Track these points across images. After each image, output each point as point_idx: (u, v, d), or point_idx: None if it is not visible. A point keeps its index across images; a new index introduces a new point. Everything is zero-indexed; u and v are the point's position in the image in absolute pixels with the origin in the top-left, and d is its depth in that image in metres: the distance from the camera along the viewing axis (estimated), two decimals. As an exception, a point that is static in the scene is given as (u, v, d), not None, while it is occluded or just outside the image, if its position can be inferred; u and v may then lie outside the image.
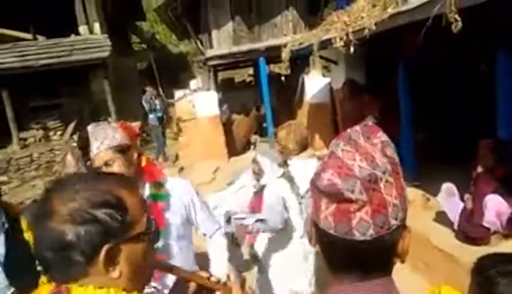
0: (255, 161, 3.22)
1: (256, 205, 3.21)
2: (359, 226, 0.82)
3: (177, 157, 9.64)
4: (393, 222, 0.86)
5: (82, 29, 10.98)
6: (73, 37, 10.76)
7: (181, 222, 1.95)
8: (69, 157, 6.01)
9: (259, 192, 3.24)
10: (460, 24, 2.68)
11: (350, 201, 0.82)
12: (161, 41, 15.94)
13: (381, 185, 0.86)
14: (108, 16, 11.77)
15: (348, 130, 0.89)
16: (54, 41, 10.42)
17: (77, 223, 0.79)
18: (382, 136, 0.95)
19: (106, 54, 9.85)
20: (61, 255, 0.79)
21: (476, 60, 4.30)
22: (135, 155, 1.84)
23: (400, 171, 0.90)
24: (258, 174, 3.51)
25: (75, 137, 10.39)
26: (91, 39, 10.66)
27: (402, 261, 0.89)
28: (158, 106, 9.60)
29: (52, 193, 0.84)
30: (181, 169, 8.79)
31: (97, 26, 11.00)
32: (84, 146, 2.39)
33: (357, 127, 0.91)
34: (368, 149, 0.93)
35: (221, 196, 6.97)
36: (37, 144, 10.18)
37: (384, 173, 0.87)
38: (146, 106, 9.67)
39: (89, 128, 1.85)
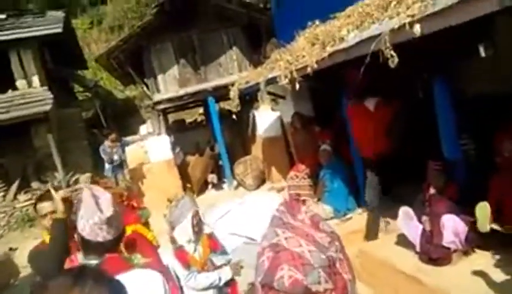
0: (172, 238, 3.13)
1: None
2: None
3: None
4: None
5: (20, 83, 10.52)
6: (10, 93, 10.27)
7: None
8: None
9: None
10: (396, 59, 2.81)
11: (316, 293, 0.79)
12: (106, 88, 15.62)
13: (338, 265, 0.84)
14: (47, 68, 11.39)
15: (274, 214, 0.87)
16: (-11, 98, 9.88)
17: None
18: (304, 209, 0.94)
19: (48, 107, 9.45)
20: None
21: (414, 88, 4.54)
22: None
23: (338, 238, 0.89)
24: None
25: (19, 197, 9.76)
26: (30, 93, 10.22)
27: None
28: (115, 156, 9.08)
29: None
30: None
31: (35, 79, 10.59)
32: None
33: (279, 208, 0.89)
34: (305, 228, 0.92)
35: (211, 218, 6.80)
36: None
37: (336, 251, 0.85)
38: (105, 157, 9.12)
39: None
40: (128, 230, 2.79)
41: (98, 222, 1.70)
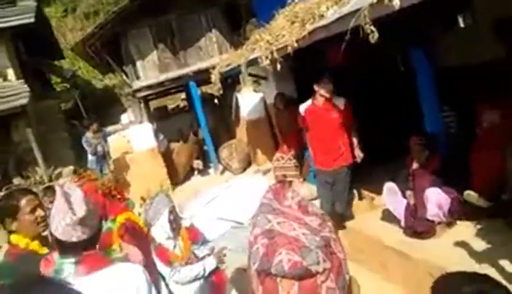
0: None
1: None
2: None
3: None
4: (347, 277, 0.82)
5: (-6, 77, 10.18)
6: (-16, 87, 9.93)
7: None
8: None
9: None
10: (376, 34, 2.77)
11: (316, 274, 0.76)
12: (85, 78, 15.26)
13: (332, 245, 0.82)
14: (22, 60, 11.03)
15: (262, 201, 0.85)
16: (-38, 94, 9.54)
17: None
18: (290, 195, 0.91)
19: (24, 101, 9.16)
20: None
21: (395, 61, 4.53)
22: None
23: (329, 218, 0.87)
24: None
25: (0, 194, 9.54)
26: (6, 87, 9.88)
27: None
28: (99, 147, 8.90)
29: None
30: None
31: (10, 72, 10.25)
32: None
33: (266, 195, 0.87)
34: (294, 213, 0.90)
35: (197, 205, 6.77)
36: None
37: (330, 231, 0.83)
38: (88, 148, 8.93)
39: None
40: (121, 219, 2.75)
41: (70, 223, 1.61)
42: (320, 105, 4.44)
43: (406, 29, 3.80)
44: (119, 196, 3.09)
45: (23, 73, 10.59)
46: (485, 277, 0.89)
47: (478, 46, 4.05)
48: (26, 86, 9.83)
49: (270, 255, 0.71)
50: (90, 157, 8.97)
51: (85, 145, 8.82)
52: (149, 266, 2.08)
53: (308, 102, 4.54)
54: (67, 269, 1.61)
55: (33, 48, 11.63)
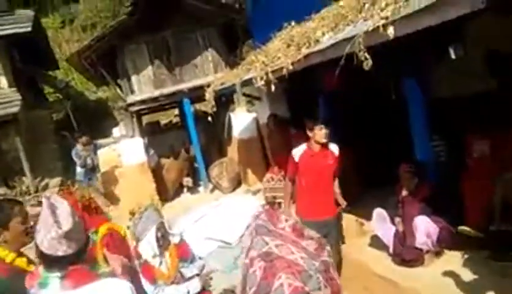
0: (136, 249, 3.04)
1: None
2: None
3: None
4: None
5: (-13, 84, 10.11)
6: (-24, 94, 9.85)
7: None
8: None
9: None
10: (370, 62, 2.81)
11: None
12: (78, 89, 15.22)
13: (331, 270, 0.80)
14: (16, 68, 10.99)
15: (256, 223, 0.83)
16: (-47, 100, 9.44)
17: None
18: (284, 217, 0.90)
19: (16, 109, 9.09)
20: None
21: (388, 89, 4.59)
22: None
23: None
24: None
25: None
26: (-2, 94, 9.82)
27: None
28: (88, 160, 8.76)
29: None
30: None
31: (3, 80, 10.19)
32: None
33: (261, 216, 0.86)
34: (290, 236, 0.89)
35: (186, 222, 6.65)
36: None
37: (329, 256, 0.82)
38: (77, 161, 8.78)
39: None
40: (104, 229, 2.70)
41: (56, 237, 1.57)
42: (316, 151, 4.05)
43: (400, 58, 3.87)
44: (99, 209, 3.04)
45: (16, 81, 10.54)
46: None
47: (469, 77, 4.13)
48: (18, 94, 9.76)
49: (269, 278, 0.68)
50: (78, 169, 8.84)
51: (74, 157, 8.70)
52: (133, 281, 2.03)
53: (303, 147, 4.13)
54: (52, 283, 1.58)
55: (28, 57, 11.61)
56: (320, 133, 3.94)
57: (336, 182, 4.24)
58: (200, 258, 3.40)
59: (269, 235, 0.91)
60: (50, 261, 1.60)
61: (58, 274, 1.60)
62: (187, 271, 3.05)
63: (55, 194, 2.14)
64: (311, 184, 4.07)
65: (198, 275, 3.06)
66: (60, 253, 1.57)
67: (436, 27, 2.35)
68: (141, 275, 2.85)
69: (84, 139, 8.60)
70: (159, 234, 2.97)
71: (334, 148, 4.15)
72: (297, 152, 4.13)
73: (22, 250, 2.22)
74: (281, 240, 0.97)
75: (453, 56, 3.91)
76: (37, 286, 1.59)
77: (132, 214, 3.21)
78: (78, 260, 1.64)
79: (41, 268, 1.63)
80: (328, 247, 0.92)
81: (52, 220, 1.58)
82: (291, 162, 4.16)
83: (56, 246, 1.57)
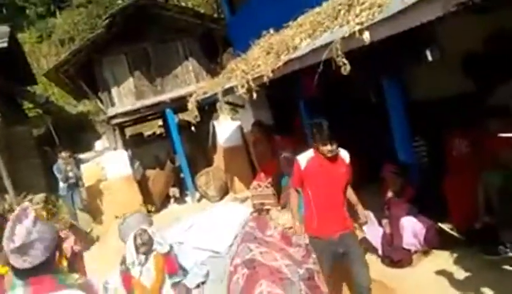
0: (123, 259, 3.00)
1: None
2: None
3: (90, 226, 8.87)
4: None
5: (-37, 102, 9.89)
6: (-48, 113, 9.62)
7: None
8: None
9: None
10: (348, 67, 2.84)
11: None
12: (58, 104, 15.00)
13: (316, 278, 0.80)
14: (-8, 86, 10.79)
15: (245, 230, 0.83)
16: None
17: None
18: (273, 224, 0.90)
19: (-6, 126, 8.92)
20: None
21: (367, 93, 4.64)
22: None
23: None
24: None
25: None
26: (-25, 112, 9.62)
27: None
28: (71, 174, 8.61)
29: None
30: (97, 239, 8.10)
31: (-20, 97, 9.99)
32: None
33: (249, 223, 0.86)
34: (277, 243, 0.88)
35: (176, 232, 6.55)
36: None
37: (314, 263, 0.81)
38: (59, 175, 8.61)
39: None
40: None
41: (8, 251, 1.61)
42: (325, 158, 3.41)
43: (378, 62, 3.91)
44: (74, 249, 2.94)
45: (-6, 98, 10.33)
46: None
47: (447, 79, 4.20)
48: (-4, 112, 9.57)
49: (250, 286, 0.66)
50: (61, 184, 8.67)
51: (56, 172, 8.54)
52: None
53: (310, 154, 3.48)
54: (18, 289, 1.63)
55: (6, 73, 11.39)
56: (324, 149, 3.37)
57: (351, 192, 3.71)
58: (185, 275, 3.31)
59: (254, 242, 0.89)
60: (14, 270, 1.65)
61: (21, 282, 1.64)
62: (191, 281, 2.97)
63: (31, 206, 2.12)
64: (321, 196, 3.46)
65: (203, 283, 2.99)
66: (17, 266, 1.61)
67: (412, 30, 2.39)
68: (119, 283, 2.81)
69: (64, 153, 8.45)
70: (139, 242, 2.92)
71: (344, 155, 3.58)
72: (303, 159, 3.48)
73: None
74: (266, 247, 0.95)
75: (430, 58, 3.97)
76: (9, 290, 1.65)
77: (116, 217, 3.16)
78: (38, 272, 1.65)
79: (12, 274, 1.67)
80: (314, 255, 0.89)
81: (9, 233, 1.61)
82: (296, 170, 3.54)
83: (13, 259, 1.61)
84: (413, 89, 4.50)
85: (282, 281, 0.76)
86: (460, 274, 3.39)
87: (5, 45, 10.06)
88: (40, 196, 9.70)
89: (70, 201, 8.55)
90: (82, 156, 9.92)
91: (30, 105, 14.14)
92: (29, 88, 13.98)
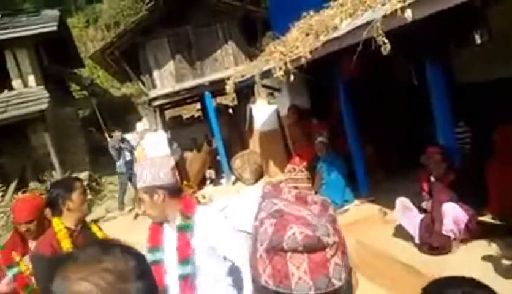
0: None
1: None
2: (335, 273, 0.76)
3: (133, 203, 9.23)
4: (349, 263, 0.82)
5: (16, 83, 10.49)
6: (6, 93, 10.23)
7: (206, 251, 2.01)
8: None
9: None
10: (388, 46, 2.77)
11: (325, 246, 0.76)
12: (103, 86, 15.58)
13: (337, 223, 0.83)
14: (43, 67, 11.35)
15: (264, 190, 0.87)
16: (-15, 99, 9.86)
17: None
18: (286, 190, 0.93)
19: (44, 106, 9.42)
20: None
21: (408, 74, 4.50)
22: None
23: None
24: None
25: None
26: (26, 93, 10.18)
27: None
28: (126, 152, 9.02)
29: None
30: (136, 216, 8.43)
31: (31, 79, 10.55)
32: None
33: (266, 187, 0.89)
34: (295, 201, 0.92)
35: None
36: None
37: (334, 210, 0.85)
38: (114, 153, 9.04)
39: None
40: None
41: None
42: None
43: (422, 43, 3.78)
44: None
45: (44, 79, 10.88)
46: (472, 280, 0.93)
47: (495, 63, 4.00)
48: (45, 92, 10.10)
49: (281, 230, 0.71)
50: (118, 162, 9.00)
51: (111, 150, 8.92)
52: None
53: None
54: None
55: (55, 56, 11.96)
56: None
57: None
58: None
59: (276, 198, 0.93)
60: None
61: None
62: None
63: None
64: None
65: None
66: None
67: (460, 12, 2.30)
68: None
69: (117, 132, 8.85)
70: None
71: None
72: None
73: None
74: (288, 202, 0.98)
75: (478, 41, 3.80)
76: None
77: None
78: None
79: None
80: (331, 209, 0.90)
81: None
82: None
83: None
84: (458, 72, 4.31)
85: (310, 226, 0.79)
86: (500, 264, 3.27)
87: (55, 28, 10.53)
88: (84, 174, 10.21)
89: (126, 179, 8.90)
90: (124, 136, 10.28)
91: (77, 87, 14.79)
92: (76, 71, 14.62)
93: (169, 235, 2.05)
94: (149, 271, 0.91)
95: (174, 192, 2.00)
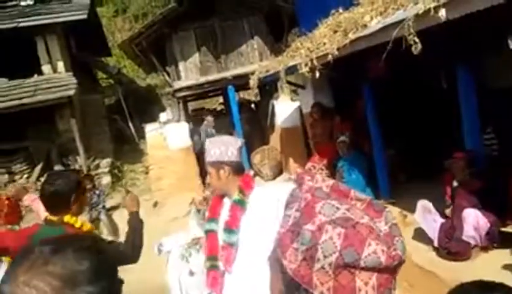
0: None
1: None
2: (394, 285, 0.77)
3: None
4: None
5: (46, 68, 10.74)
6: (36, 77, 10.51)
7: (253, 231, 2.03)
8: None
9: None
10: (419, 45, 2.74)
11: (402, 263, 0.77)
12: (129, 76, 15.81)
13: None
14: (72, 54, 11.60)
15: (307, 184, 0.84)
16: (16, 82, 10.13)
17: None
18: (320, 177, 0.90)
19: (71, 92, 9.64)
20: None
21: (437, 77, 4.42)
22: None
23: None
24: None
25: (42, 179, 9.98)
26: (55, 78, 10.43)
27: None
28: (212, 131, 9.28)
29: None
30: (155, 204, 8.56)
31: (60, 65, 10.79)
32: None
33: (306, 177, 0.86)
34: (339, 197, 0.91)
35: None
36: (3, 189, 9.70)
37: (394, 218, 0.84)
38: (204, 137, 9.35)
39: None
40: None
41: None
42: None
43: (453, 45, 3.71)
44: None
45: (72, 66, 11.12)
46: (500, 284, 0.88)
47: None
48: (73, 78, 10.32)
49: (356, 245, 0.67)
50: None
51: (203, 133, 9.11)
52: None
53: None
54: None
55: (83, 43, 12.18)
56: None
57: None
58: None
59: (331, 198, 0.86)
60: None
61: None
62: None
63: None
64: None
65: None
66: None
67: (493, 15, 2.25)
68: None
69: (210, 118, 9.29)
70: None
71: None
72: None
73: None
74: (346, 203, 0.91)
75: (511, 46, 3.69)
76: None
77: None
78: None
79: None
80: (389, 212, 0.83)
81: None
82: None
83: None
84: (488, 76, 4.21)
85: (385, 239, 0.75)
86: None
87: (85, 16, 10.73)
88: (106, 161, 10.43)
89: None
90: (147, 126, 10.44)
91: (104, 75, 15.04)
92: (103, 59, 14.87)
93: (226, 208, 2.16)
94: (111, 271, 0.82)
95: (238, 169, 2.12)
